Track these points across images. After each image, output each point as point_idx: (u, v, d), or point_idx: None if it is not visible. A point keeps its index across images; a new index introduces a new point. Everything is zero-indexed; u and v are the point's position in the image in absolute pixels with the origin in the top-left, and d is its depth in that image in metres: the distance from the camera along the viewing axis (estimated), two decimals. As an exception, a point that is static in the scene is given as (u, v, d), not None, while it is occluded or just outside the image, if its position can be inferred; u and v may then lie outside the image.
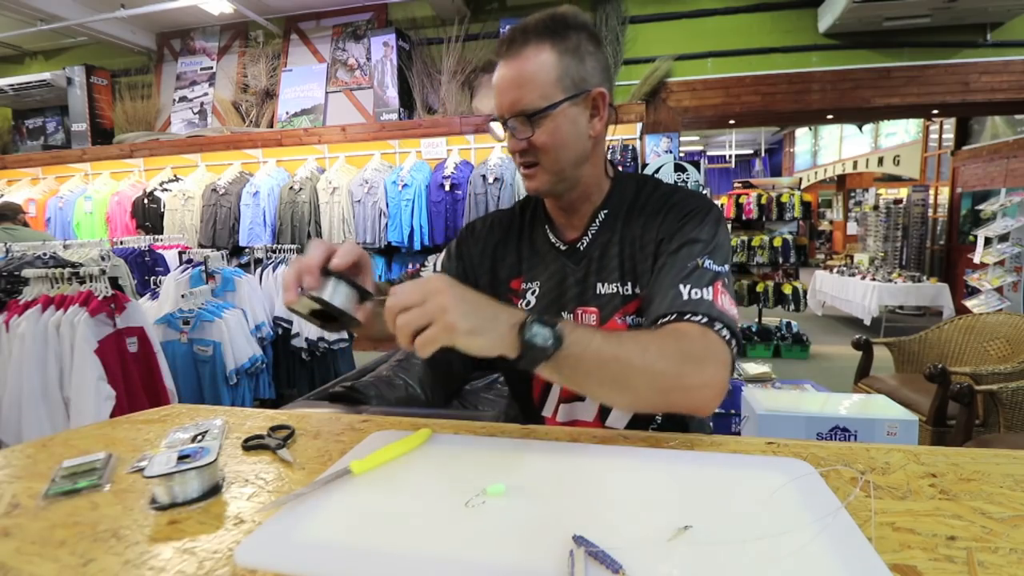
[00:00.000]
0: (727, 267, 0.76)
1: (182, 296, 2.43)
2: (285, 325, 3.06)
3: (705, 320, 0.69)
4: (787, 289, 4.74)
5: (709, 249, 0.76)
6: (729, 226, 5.23)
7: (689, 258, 0.75)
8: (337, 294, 0.63)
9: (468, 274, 0.96)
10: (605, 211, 0.87)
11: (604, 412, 0.86)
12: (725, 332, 0.68)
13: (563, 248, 0.89)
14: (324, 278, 0.63)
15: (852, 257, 7.26)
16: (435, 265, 0.99)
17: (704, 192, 3.96)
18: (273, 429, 0.74)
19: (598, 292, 0.85)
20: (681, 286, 0.72)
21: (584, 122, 0.80)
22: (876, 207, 7.38)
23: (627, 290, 0.83)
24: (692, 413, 0.67)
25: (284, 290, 0.64)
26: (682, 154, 4.36)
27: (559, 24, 0.78)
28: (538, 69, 0.76)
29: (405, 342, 0.56)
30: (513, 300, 0.91)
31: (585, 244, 0.87)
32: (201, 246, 4.34)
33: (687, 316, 0.69)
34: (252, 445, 0.69)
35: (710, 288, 0.72)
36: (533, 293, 0.89)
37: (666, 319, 0.70)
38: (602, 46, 0.83)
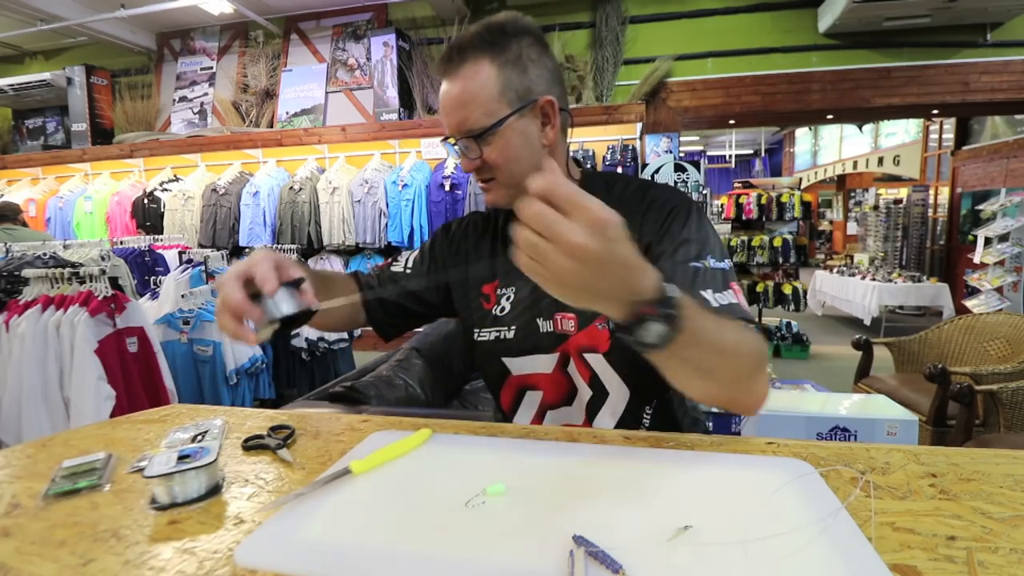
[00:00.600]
0: (728, 261, 0.74)
1: (182, 296, 2.43)
2: (285, 325, 3.06)
3: (743, 324, 0.65)
4: (787, 289, 4.74)
5: (706, 247, 0.74)
6: (729, 226, 5.23)
7: (690, 260, 0.72)
8: (282, 303, 0.60)
9: (441, 281, 0.95)
10: None
11: (590, 417, 0.85)
12: (755, 327, 0.67)
13: None
14: (259, 301, 0.60)
15: (852, 257, 7.27)
16: (407, 261, 0.98)
17: (704, 192, 3.97)
18: (273, 429, 0.74)
19: None
20: (703, 292, 0.69)
21: (535, 132, 0.78)
22: (876, 207, 7.39)
23: None
24: (743, 412, 0.64)
25: (235, 340, 0.61)
26: (682, 154, 4.35)
27: (496, 34, 0.75)
28: (479, 86, 0.74)
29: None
30: (484, 305, 0.90)
31: None
32: (201, 246, 4.34)
33: None
34: (252, 445, 0.69)
35: (729, 290, 0.70)
36: (508, 299, 0.88)
37: None
38: (548, 50, 0.80)
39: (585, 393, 0.85)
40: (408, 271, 0.96)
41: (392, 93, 4.32)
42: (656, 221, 0.78)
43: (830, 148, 10.43)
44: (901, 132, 8.14)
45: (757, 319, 4.79)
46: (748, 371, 0.60)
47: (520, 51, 0.76)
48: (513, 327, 0.86)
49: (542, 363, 0.86)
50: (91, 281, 1.93)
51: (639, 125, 4.00)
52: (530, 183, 0.45)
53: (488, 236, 0.93)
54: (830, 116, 4.59)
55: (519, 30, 0.77)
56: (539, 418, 0.88)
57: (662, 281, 0.50)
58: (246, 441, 0.70)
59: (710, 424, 2.27)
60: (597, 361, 0.82)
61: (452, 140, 0.79)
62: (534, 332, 0.85)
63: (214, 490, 0.57)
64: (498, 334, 0.88)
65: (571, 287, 0.46)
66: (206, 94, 5.03)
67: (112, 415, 1.78)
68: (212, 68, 5.05)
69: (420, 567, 0.43)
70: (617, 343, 0.81)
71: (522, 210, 0.45)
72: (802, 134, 11.75)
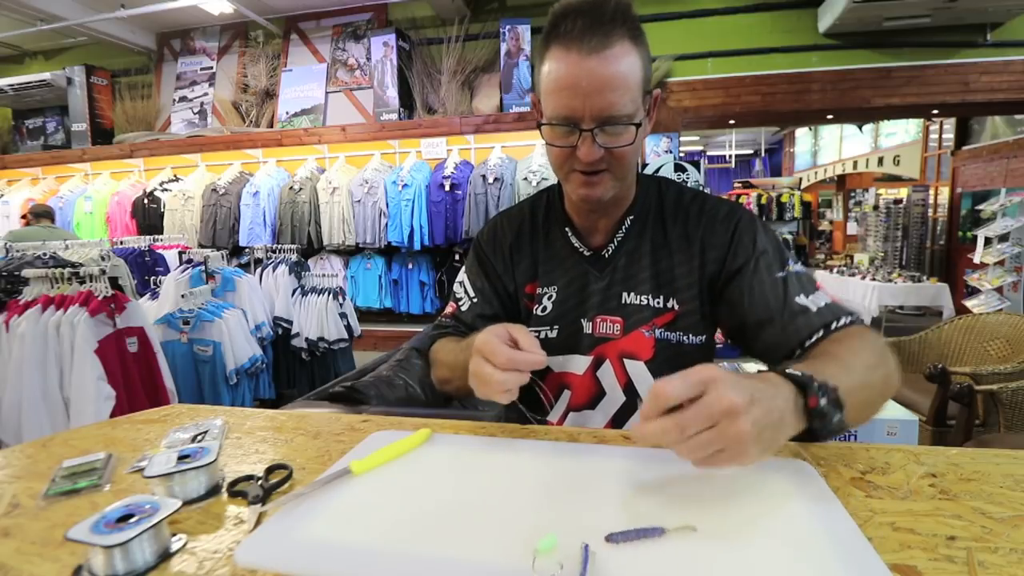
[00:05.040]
0: (800, 263, 0.77)
1: (182, 296, 2.43)
2: (285, 325, 3.06)
3: (848, 320, 0.71)
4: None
5: (783, 254, 0.77)
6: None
7: (773, 271, 0.75)
8: None
9: (499, 290, 0.90)
10: (631, 217, 0.84)
11: (617, 423, 0.84)
12: (862, 321, 0.72)
13: (587, 254, 0.85)
14: None
15: (852, 257, 7.26)
16: (468, 292, 0.91)
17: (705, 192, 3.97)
18: (269, 470, 0.61)
19: (623, 302, 0.82)
20: (798, 299, 0.72)
21: (647, 126, 0.75)
22: (876, 207, 7.39)
23: (659, 303, 0.80)
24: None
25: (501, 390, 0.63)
26: (682, 154, 4.36)
27: (628, 13, 0.68)
28: (628, 71, 0.67)
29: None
30: (528, 305, 0.87)
31: (611, 251, 0.83)
32: (201, 246, 4.34)
33: (832, 325, 0.70)
34: (235, 492, 0.57)
35: (819, 292, 0.74)
36: (549, 298, 0.85)
37: (819, 335, 0.70)
38: None
39: (617, 398, 0.83)
40: (475, 300, 0.90)
41: (392, 93, 4.32)
42: (723, 234, 0.79)
43: (830, 148, 10.42)
44: (901, 132, 8.13)
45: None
46: (886, 380, 0.65)
47: (646, 38, 0.71)
48: (556, 327, 0.84)
49: (576, 364, 0.84)
50: (91, 281, 1.93)
51: (639, 125, 4.00)
52: (643, 428, 0.49)
53: (526, 233, 0.90)
54: (830, 116, 4.59)
55: (634, 13, 0.70)
56: (563, 418, 0.87)
57: (783, 373, 0.53)
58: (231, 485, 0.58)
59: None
60: (637, 368, 0.81)
61: (575, 124, 0.69)
62: (577, 332, 0.83)
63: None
64: (537, 334, 0.85)
65: (757, 440, 0.47)
66: (206, 94, 5.03)
67: (112, 415, 1.78)
68: (212, 68, 5.04)
69: (420, 567, 0.43)
70: (661, 351, 0.80)
71: (666, 434, 0.47)
72: (802, 134, 11.74)
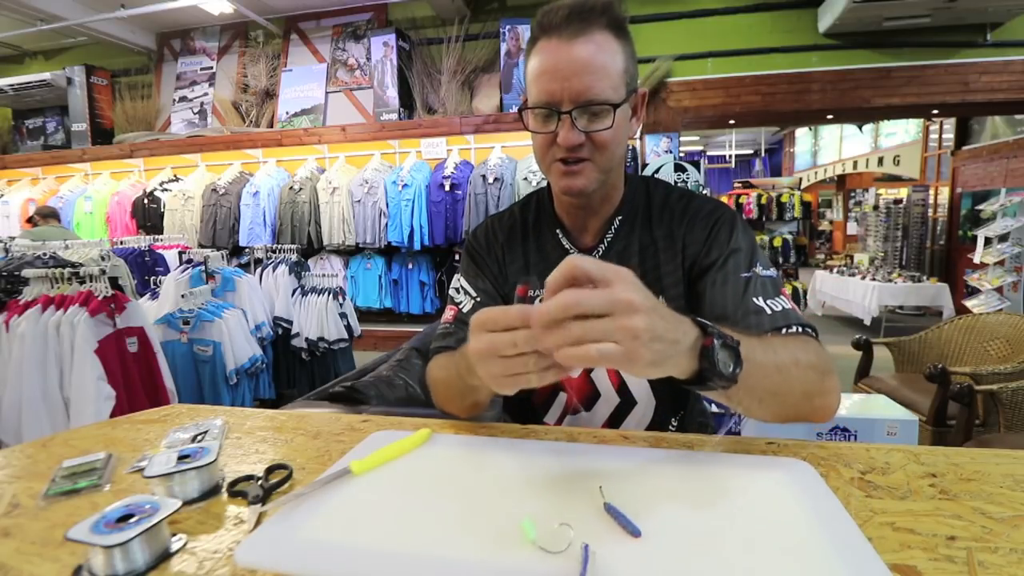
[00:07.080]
0: (774, 269, 0.77)
1: (182, 296, 2.43)
2: (285, 325, 3.06)
3: (800, 330, 0.69)
4: (787, 289, 4.75)
5: (754, 256, 0.76)
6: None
7: (740, 270, 0.74)
8: None
9: (499, 291, 0.89)
10: (620, 217, 0.84)
11: (613, 426, 0.83)
12: (815, 334, 0.69)
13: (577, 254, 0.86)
14: None
15: (852, 257, 7.26)
16: (467, 292, 0.88)
17: (704, 192, 3.97)
18: (269, 470, 0.61)
19: None
20: (756, 300, 0.71)
21: (630, 122, 0.78)
22: (876, 207, 7.39)
23: None
24: (818, 421, 0.65)
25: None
26: (682, 154, 4.36)
27: (611, 9, 0.71)
28: (609, 58, 0.70)
29: (557, 343, 0.47)
30: None
31: (601, 252, 0.83)
32: (201, 246, 4.34)
33: (782, 330, 0.69)
34: (235, 492, 0.57)
35: (781, 297, 0.72)
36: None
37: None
38: None
39: (612, 400, 0.83)
40: (479, 300, 0.87)
41: (392, 93, 4.32)
42: (702, 231, 0.79)
43: (830, 148, 10.43)
44: (901, 132, 8.14)
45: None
46: (813, 382, 0.62)
47: (631, 37, 0.74)
48: None
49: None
50: (91, 281, 1.93)
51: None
52: (553, 277, 0.48)
53: (516, 235, 0.89)
54: (830, 116, 4.60)
55: (623, 17, 0.73)
56: (559, 422, 0.87)
57: (693, 318, 0.53)
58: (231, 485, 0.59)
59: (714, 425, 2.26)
60: None
61: (555, 108, 0.71)
62: None
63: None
64: None
65: (649, 344, 0.46)
66: (206, 94, 5.03)
67: (112, 415, 1.78)
68: (212, 68, 5.05)
69: (420, 567, 0.43)
70: None
71: (562, 303, 0.46)
72: (802, 134, 11.75)
